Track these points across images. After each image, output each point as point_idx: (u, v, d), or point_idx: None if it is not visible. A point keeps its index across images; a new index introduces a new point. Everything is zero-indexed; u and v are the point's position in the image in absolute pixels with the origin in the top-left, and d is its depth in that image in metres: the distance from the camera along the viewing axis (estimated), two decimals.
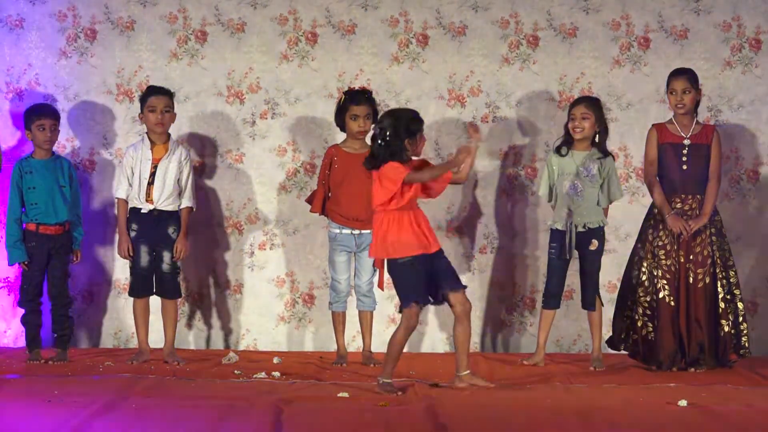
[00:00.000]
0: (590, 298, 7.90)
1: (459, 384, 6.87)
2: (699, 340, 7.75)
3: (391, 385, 6.76)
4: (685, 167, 7.83)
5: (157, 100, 7.87)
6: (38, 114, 7.95)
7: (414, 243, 6.75)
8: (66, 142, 8.53)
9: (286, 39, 8.63)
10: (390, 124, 6.75)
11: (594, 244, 7.84)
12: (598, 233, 7.87)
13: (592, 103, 7.90)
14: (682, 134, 7.86)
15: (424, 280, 6.80)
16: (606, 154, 7.88)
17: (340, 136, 8.11)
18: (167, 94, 7.94)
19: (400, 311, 6.85)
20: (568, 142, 7.90)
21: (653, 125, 7.97)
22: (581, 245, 7.86)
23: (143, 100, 7.93)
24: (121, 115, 8.58)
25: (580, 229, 7.83)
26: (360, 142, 7.94)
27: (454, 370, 6.89)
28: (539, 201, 8.57)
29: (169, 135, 7.97)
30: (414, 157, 6.84)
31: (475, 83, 8.65)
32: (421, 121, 6.82)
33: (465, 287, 6.92)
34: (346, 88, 8.30)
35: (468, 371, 6.90)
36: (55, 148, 8.10)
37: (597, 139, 7.86)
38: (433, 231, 6.89)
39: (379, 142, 6.75)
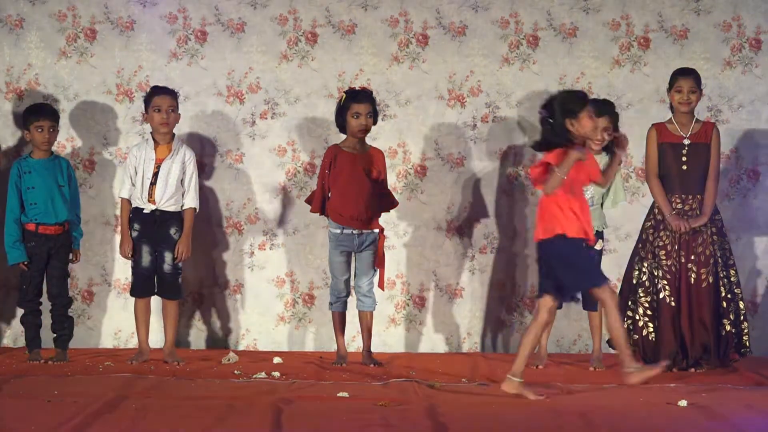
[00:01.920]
0: (592, 298, 7.87)
1: (506, 388, 6.61)
2: (703, 340, 7.74)
3: (521, 385, 6.57)
4: (685, 167, 7.82)
5: (162, 100, 7.87)
6: (36, 115, 7.94)
7: (584, 226, 6.58)
8: (66, 142, 8.53)
9: (286, 39, 8.63)
10: (549, 104, 6.57)
11: (600, 244, 7.84)
12: (600, 234, 7.87)
13: (613, 114, 7.78)
14: (682, 134, 7.85)
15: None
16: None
17: (340, 136, 8.10)
18: (172, 93, 7.94)
19: (538, 296, 6.72)
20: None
21: (653, 125, 7.96)
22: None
23: (148, 99, 7.92)
24: (121, 115, 8.59)
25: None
26: (360, 142, 7.94)
27: (453, 370, 6.87)
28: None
29: (173, 135, 7.97)
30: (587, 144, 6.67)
31: (475, 83, 8.65)
32: (583, 101, 6.57)
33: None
34: (346, 88, 8.30)
35: (521, 379, 6.61)
36: (54, 148, 8.10)
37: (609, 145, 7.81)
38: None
39: (547, 125, 6.55)
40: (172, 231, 7.89)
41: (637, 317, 7.83)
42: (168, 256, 7.88)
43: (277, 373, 7.33)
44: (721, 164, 8.01)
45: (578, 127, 6.50)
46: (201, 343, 8.65)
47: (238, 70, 8.62)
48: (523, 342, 6.64)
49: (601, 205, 7.88)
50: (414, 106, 8.64)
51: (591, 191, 7.77)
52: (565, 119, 6.49)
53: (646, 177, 7.95)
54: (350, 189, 7.86)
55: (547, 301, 6.60)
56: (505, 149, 8.67)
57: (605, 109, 7.75)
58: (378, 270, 7.95)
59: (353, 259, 7.98)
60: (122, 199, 7.96)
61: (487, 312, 8.68)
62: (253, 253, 8.65)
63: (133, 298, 7.98)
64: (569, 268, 6.59)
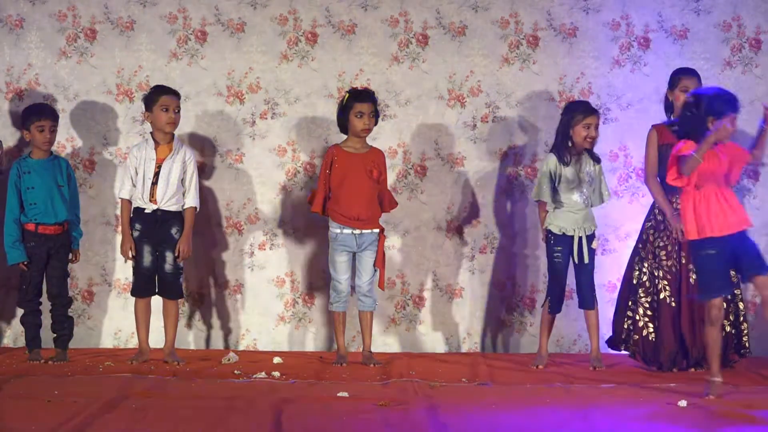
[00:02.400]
0: (590, 297, 7.88)
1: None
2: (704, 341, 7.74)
3: (720, 385, 6.67)
4: None
5: (170, 100, 7.87)
6: (38, 115, 7.94)
7: (705, 225, 6.67)
8: (66, 142, 8.53)
9: (286, 39, 8.63)
10: (699, 96, 6.67)
11: (595, 243, 7.87)
12: (593, 234, 7.90)
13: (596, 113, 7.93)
14: None
15: (726, 268, 6.71)
16: (598, 159, 7.92)
17: (341, 136, 8.10)
18: (178, 95, 7.94)
19: (701, 299, 6.82)
20: (568, 148, 7.84)
21: (653, 126, 7.96)
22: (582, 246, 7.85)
23: (154, 99, 7.87)
24: (121, 115, 8.59)
25: (588, 232, 7.84)
26: (361, 142, 7.94)
27: (453, 370, 6.85)
28: None
29: (173, 135, 7.97)
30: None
31: (475, 83, 8.65)
32: (732, 107, 6.67)
33: None
34: (346, 88, 8.30)
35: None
36: (54, 148, 8.10)
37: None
38: (739, 208, 6.80)
39: (689, 113, 6.67)
40: (174, 231, 7.89)
41: (637, 317, 7.83)
42: (169, 256, 7.88)
43: (277, 373, 7.33)
44: None
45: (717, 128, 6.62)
46: (201, 343, 8.65)
47: (238, 70, 8.62)
48: (710, 344, 6.70)
49: (590, 205, 7.91)
50: (414, 106, 8.64)
51: (578, 194, 7.80)
52: (708, 117, 6.62)
53: (645, 179, 7.94)
54: (351, 189, 7.87)
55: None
56: (505, 149, 8.67)
57: (590, 108, 7.85)
58: (378, 270, 7.95)
59: (354, 258, 7.98)
60: (122, 199, 7.95)
61: (487, 312, 8.68)
62: (253, 253, 8.65)
63: (133, 298, 7.98)
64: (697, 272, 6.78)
